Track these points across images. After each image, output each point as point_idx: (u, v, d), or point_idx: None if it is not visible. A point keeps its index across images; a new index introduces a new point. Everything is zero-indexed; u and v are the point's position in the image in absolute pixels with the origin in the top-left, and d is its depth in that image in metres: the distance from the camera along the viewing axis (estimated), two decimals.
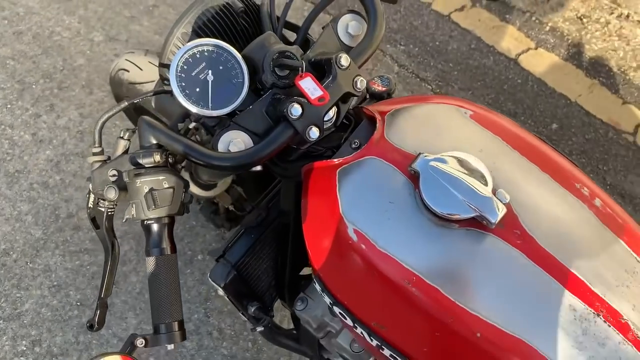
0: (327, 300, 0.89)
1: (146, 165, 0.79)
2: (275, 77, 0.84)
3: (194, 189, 1.10)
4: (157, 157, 0.79)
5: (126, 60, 1.50)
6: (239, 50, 0.86)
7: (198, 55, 0.83)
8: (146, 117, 0.81)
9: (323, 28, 0.93)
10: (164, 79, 0.99)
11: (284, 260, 1.17)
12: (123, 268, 1.94)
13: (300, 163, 0.92)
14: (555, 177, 0.82)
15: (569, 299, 0.74)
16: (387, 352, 0.85)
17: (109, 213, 0.87)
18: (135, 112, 1.62)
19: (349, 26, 0.93)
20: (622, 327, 0.73)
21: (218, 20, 0.97)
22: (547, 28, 2.72)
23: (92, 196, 0.87)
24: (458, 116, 0.88)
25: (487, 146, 0.84)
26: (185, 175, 1.01)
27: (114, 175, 0.82)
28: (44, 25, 2.54)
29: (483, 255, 0.76)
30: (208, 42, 0.83)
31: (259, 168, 0.86)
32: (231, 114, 0.85)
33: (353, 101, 0.94)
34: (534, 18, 2.76)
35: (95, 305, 0.88)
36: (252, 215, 1.16)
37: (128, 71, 1.48)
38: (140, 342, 0.77)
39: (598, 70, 2.59)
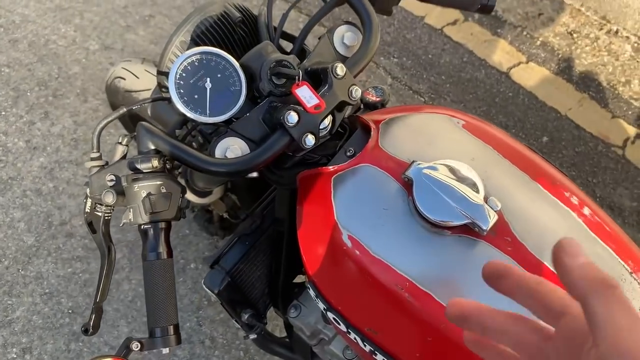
0: (321, 305, 0.90)
1: (144, 171, 0.80)
2: (272, 86, 0.86)
3: (189, 196, 1.11)
4: (155, 163, 0.80)
5: (123, 68, 1.52)
6: (237, 59, 0.87)
7: (197, 63, 0.85)
8: (145, 123, 0.83)
9: (319, 38, 0.95)
10: (161, 87, 1.00)
11: (278, 267, 1.18)
12: (115, 276, 1.94)
13: (296, 170, 0.94)
14: (546, 185, 0.84)
15: None
16: (380, 357, 0.86)
17: (106, 217, 0.88)
18: (131, 120, 1.63)
19: (345, 37, 0.95)
20: None
21: (216, 29, 0.98)
22: (538, 43, 2.77)
23: (89, 201, 0.88)
24: (451, 125, 0.90)
25: (479, 155, 0.86)
26: (182, 182, 1.02)
27: (111, 180, 0.82)
28: (39, 34, 2.55)
29: (475, 261, 0.77)
30: (207, 50, 0.85)
31: (255, 175, 0.87)
32: (228, 121, 0.87)
33: (348, 110, 0.96)
34: (525, 33, 2.80)
35: (90, 310, 0.88)
36: (246, 223, 1.17)
37: (124, 79, 1.50)
38: (135, 345, 0.78)
39: (588, 84, 2.64)
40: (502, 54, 2.73)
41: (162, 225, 0.81)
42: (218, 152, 0.84)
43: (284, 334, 1.36)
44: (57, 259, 1.97)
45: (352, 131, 0.95)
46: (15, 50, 2.49)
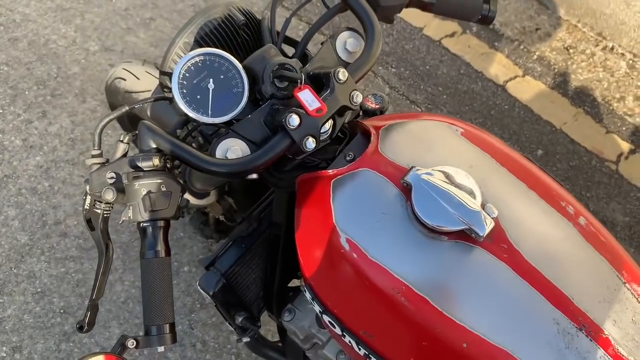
0: (317, 308, 0.91)
1: (145, 169, 0.81)
2: (275, 88, 0.87)
3: (186, 196, 1.11)
4: (156, 161, 0.80)
5: (123, 69, 1.52)
6: (239, 62, 0.88)
7: (200, 64, 0.85)
8: (147, 122, 0.83)
9: (322, 44, 0.96)
10: (163, 87, 1.01)
11: (274, 271, 1.18)
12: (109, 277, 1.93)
13: (295, 173, 0.94)
14: (542, 194, 0.85)
15: (553, 312, 0.76)
16: None
17: (105, 215, 0.88)
18: (129, 121, 1.64)
19: (347, 43, 0.96)
20: (604, 342, 0.75)
21: (220, 31, 0.99)
22: (535, 57, 2.80)
23: (88, 198, 0.88)
24: (450, 133, 0.91)
25: (477, 162, 0.87)
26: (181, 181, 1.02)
27: (112, 178, 0.83)
28: (40, 33, 2.56)
29: (471, 267, 0.78)
30: (211, 52, 0.85)
31: (254, 176, 0.88)
32: (229, 122, 0.88)
33: (348, 115, 0.97)
34: (522, 47, 2.83)
35: (82, 311, 0.88)
36: (242, 226, 1.17)
37: (125, 80, 1.50)
38: (131, 343, 0.78)
39: (583, 99, 2.66)
40: (498, 67, 2.76)
41: (161, 223, 0.82)
42: (219, 153, 0.84)
43: (276, 339, 1.36)
44: (50, 258, 1.96)
45: (352, 136, 0.96)
46: (15, 49, 2.49)
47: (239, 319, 1.16)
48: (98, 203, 0.87)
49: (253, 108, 0.88)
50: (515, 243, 0.79)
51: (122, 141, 0.88)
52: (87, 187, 0.86)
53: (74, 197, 2.10)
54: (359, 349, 0.87)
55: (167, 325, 0.80)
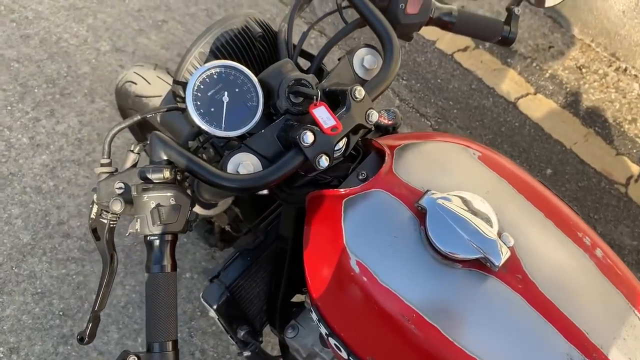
0: (323, 330, 0.88)
1: (155, 181, 0.79)
2: (290, 104, 0.85)
3: (194, 208, 1.10)
4: (167, 174, 0.79)
5: (135, 73, 1.51)
6: (254, 74, 0.87)
7: (215, 76, 0.84)
8: (158, 133, 0.81)
9: (339, 59, 0.95)
10: (176, 96, 1.00)
11: (278, 285, 1.16)
12: None
13: (306, 190, 0.92)
14: (559, 224, 0.83)
15: (566, 347, 0.74)
16: None
17: (111, 225, 0.86)
18: (139, 126, 1.62)
19: (365, 59, 0.95)
20: None
21: (236, 42, 0.98)
22: (547, 75, 2.78)
23: (95, 207, 0.86)
24: (466, 156, 0.89)
25: (494, 188, 0.85)
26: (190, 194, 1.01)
27: (120, 188, 0.81)
28: (51, 31, 2.55)
29: (484, 297, 0.76)
30: (227, 64, 0.84)
31: (265, 192, 0.86)
32: (242, 137, 0.86)
33: (361, 132, 0.95)
34: (534, 64, 2.81)
35: (81, 314, 0.86)
36: (248, 238, 1.15)
37: (136, 84, 1.49)
38: (132, 359, 0.76)
39: (594, 120, 2.64)
40: (510, 84, 2.74)
41: (169, 237, 0.80)
42: (230, 167, 0.83)
43: (276, 353, 1.33)
44: (51, 259, 1.95)
45: (365, 154, 0.94)
46: (27, 46, 2.48)
47: (241, 333, 1.15)
48: (105, 213, 0.86)
49: (267, 122, 0.87)
50: (530, 274, 0.77)
51: (132, 151, 0.86)
52: (95, 196, 0.85)
53: (79, 198, 2.09)
54: None
55: (170, 342, 0.78)
